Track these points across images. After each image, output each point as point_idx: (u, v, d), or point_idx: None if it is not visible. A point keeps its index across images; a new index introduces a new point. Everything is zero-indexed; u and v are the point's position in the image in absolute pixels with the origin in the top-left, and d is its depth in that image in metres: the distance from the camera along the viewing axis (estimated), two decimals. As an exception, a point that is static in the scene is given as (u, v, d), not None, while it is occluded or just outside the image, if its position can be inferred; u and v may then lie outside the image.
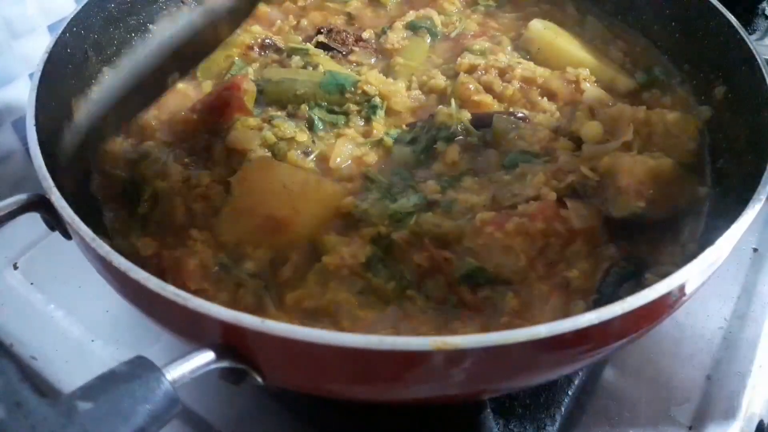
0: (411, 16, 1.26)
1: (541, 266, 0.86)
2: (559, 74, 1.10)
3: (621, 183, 0.90)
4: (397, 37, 1.21)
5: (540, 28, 1.18)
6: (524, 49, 1.18)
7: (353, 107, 1.06)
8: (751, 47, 0.95)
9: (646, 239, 0.91)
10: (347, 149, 1.01)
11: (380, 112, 1.06)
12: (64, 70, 0.99)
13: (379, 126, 1.04)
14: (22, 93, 0.91)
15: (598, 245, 0.89)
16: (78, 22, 1.01)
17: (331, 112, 1.06)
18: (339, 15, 1.30)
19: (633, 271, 0.86)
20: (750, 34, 0.97)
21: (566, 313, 0.69)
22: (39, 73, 0.91)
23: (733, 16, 1.00)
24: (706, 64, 1.07)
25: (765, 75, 0.91)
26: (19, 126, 1.26)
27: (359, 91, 1.07)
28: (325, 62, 1.14)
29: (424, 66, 1.18)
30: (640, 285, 0.82)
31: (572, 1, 1.30)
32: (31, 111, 0.86)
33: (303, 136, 1.01)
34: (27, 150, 0.82)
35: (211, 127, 1.04)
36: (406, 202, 0.92)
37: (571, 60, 1.14)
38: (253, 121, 1.01)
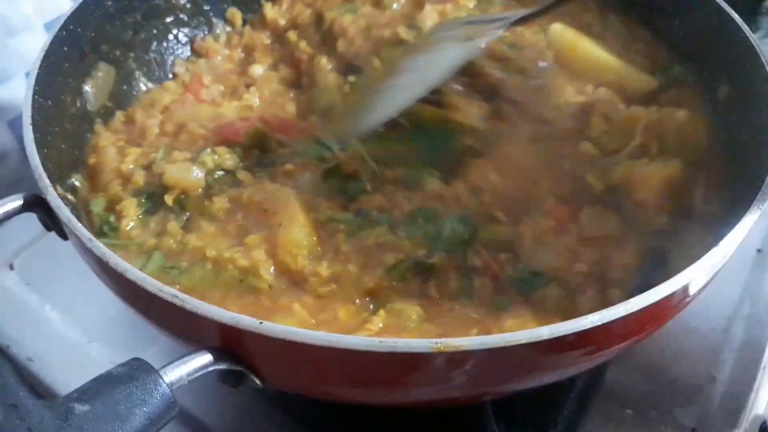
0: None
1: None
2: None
3: (638, 197, 0.90)
4: None
5: (561, 31, 1.16)
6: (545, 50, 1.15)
7: None
8: (755, 45, 0.94)
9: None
10: None
11: None
12: (60, 69, 0.98)
13: None
14: (18, 92, 0.91)
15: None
16: (74, 20, 1.01)
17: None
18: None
19: (662, 259, 0.85)
20: (754, 32, 0.96)
21: (605, 304, 0.68)
22: (35, 72, 0.90)
23: (736, 14, 0.99)
24: (710, 62, 1.06)
25: (770, 73, 0.90)
26: (15, 125, 1.25)
27: None
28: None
29: None
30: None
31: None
32: (28, 110, 0.85)
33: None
34: (23, 149, 0.82)
35: None
36: (453, 233, 0.87)
37: (593, 62, 1.11)
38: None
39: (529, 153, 0.98)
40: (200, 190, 0.93)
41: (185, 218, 0.91)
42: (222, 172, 0.95)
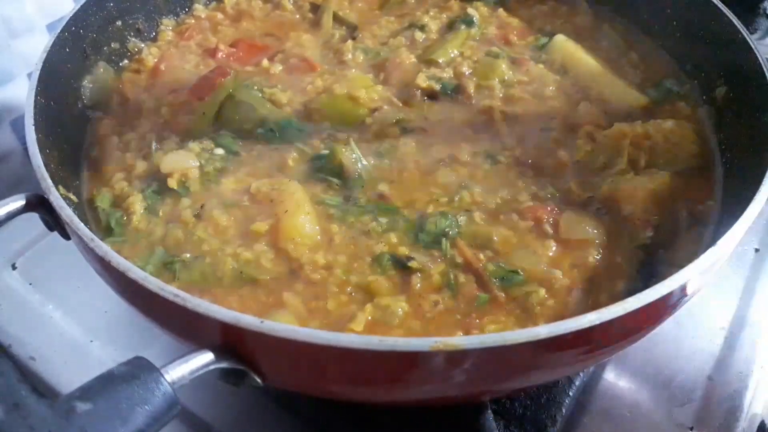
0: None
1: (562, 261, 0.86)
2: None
3: (625, 212, 0.91)
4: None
5: (563, 41, 1.17)
6: (546, 62, 1.16)
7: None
8: (753, 47, 0.94)
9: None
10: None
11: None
12: (62, 69, 0.99)
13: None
14: (21, 92, 0.90)
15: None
16: (77, 21, 1.02)
17: None
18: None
19: (650, 259, 0.86)
20: (751, 33, 0.96)
21: (593, 305, 0.68)
22: (38, 73, 0.91)
23: (734, 16, 1.00)
24: (708, 64, 1.06)
25: (766, 75, 0.90)
26: (17, 125, 1.25)
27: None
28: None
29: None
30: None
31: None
32: (30, 110, 0.86)
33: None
34: (26, 150, 0.82)
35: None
36: (435, 227, 0.89)
37: (591, 74, 1.12)
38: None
39: (510, 157, 0.99)
40: (197, 172, 0.95)
41: (199, 207, 0.92)
42: (217, 152, 0.99)
